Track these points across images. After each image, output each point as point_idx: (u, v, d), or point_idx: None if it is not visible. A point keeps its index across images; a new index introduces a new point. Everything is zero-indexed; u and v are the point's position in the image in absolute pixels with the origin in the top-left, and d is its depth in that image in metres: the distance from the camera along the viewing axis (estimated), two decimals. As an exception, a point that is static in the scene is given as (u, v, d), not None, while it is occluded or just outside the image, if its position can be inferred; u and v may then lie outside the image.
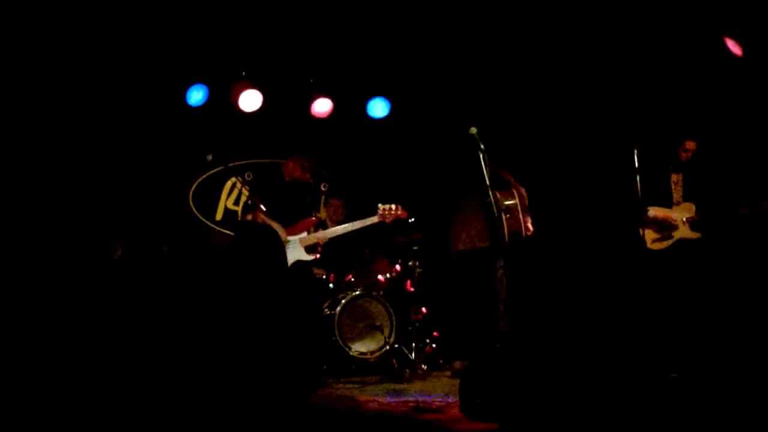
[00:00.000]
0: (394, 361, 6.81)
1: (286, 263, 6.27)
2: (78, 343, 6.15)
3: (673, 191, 6.73)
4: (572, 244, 7.45)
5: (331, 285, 7.29)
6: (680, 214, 6.62)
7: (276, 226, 6.30)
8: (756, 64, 6.68)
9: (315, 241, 6.52)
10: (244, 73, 7.66)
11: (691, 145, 6.61)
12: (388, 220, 6.74)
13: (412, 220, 7.11)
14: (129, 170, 7.62)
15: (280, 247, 6.27)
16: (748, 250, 6.81)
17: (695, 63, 7.04)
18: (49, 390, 5.31)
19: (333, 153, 8.35)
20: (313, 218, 6.75)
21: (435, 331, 7.40)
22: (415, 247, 7.38)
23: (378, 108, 8.20)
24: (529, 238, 6.62)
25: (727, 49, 6.71)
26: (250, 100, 7.66)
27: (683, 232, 6.59)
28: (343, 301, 6.94)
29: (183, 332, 6.35)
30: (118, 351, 6.10)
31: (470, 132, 5.58)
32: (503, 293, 6.57)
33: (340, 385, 6.34)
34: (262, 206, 6.29)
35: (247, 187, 7.01)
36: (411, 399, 5.61)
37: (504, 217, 6.33)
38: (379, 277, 7.33)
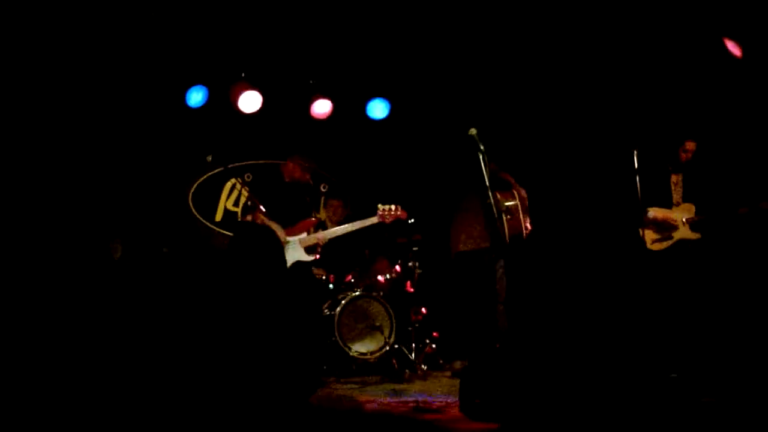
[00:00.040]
0: (394, 361, 6.81)
1: (285, 264, 6.27)
2: (78, 343, 6.15)
3: (673, 192, 6.73)
4: (572, 245, 7.44)
5: (331, 285, 7.29)
6: (680, 214, 6.63)
7: (276, 226, 6.30)
8: (755, 64, 6.69)
9: (315, 241, 6.52)
10: (243, 75, 7.67)
11: (690, 145, 6.61)
12: (387, 221, 6.74)
13: (412, 220, 7.12)
14: (129, 171, 7.62)
15: (279, 248, 6.26)
16: (748, 250, 6.80)
17: (695, 64, 7.04)
18: (48, 389, 5.31)
19: (333, 154, 8.36)
20: (313, 219, 6.75)
21: (435, 331, 7.40)
22: (414, 248, 7.38)
23: (377, 109, 8.21)
24: (528, 239, 6.62)
25: (727, 50, 6.71)
26: (250, 101, 7.67)
27: (683, 232, 6.59)
28: (343, 301, 6.94)
29: (183, 333, 6.35)
30: (118, 351, 6.10)
31: (470, 133, 5.57)
32: (503, 294, 6.57)
33: (340, 386, 6.35)
34: (261, 207, 6.29)
35: (247, 188, 7.01)
36: (411, 399, 5.61)
37: (504, 218, 6.34)
38: (379, 277, 7.34)
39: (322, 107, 7.97)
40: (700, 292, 6.44)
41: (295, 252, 6.46)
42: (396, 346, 6.95)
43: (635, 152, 6.17)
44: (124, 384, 5.45)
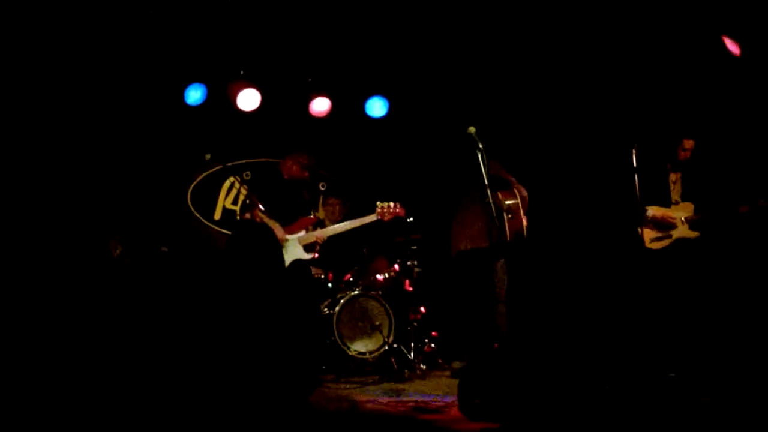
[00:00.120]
0: (393, 360, 6.81)
1: (283, 262, 6.26)
2: (76, 341, 6.15)
3: (672, 190, 6.72)
4: (571, 244, 7.44)
5: (329, 284, 7.29)
6: (679, 213, 6.62)
7: (274, 224, 6.29)
8: (754, 62, 6.68)
9: (314, 239, 6.51)
10: (242, 72, 7.66)
11: (689, 144, 6.60)
12: (386, 218, 6.73)
13: (411, 219, 7.11)
14: (128, 169, 7.61)
15: (277, 246, 6.26)
16: (747, 249, 6.80)
17: (693, 62, 7.03)
18: (47, 388, 5.30)
19: (331, 152, 8.35)
20: (312, 217, 6.75)
21: (434, 330, 7.40)
22: (413, 247, 7.38)
23: (376, 107, 8.20)
24: (527, 238, 6.62)
25: (726, 48, 6.70)
26: (249, 100, 7.66)
27: (682, 231, 6.59)
28: (341, 300, 6.94)
29: (181, 331, 6.34)
30: (116, 349, 6.10)
31: (468, 131, 5.57)
32: (503, 294, 6.56)
33: (339, 385, 6.35)
34: (260, 205, 6.28)
35: (246, 186, 7.00)
36: (410, 399, 5.62)
37: (506, 217, 6.32)
38: (378, 276, 7.33)
39: (320, 105, 7.97)
40: (699, 292, 6.43)
41: (293, 250, 6.45)
42: (395, 345, 6.95)
43: (634, 150, 6.16)
44: (123, 382, 5.44)
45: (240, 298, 6.02)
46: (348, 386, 6.30)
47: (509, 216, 6.39)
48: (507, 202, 6.44)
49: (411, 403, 5.43)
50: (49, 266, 6.83)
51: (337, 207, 7.60)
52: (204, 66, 7.57)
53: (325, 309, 7.05)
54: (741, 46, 6.67)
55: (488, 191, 5.52)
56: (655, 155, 6.64)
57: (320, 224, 7.01)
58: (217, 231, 8.14)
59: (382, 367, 6.82)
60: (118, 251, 7.16)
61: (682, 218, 6.60)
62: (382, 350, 6.88)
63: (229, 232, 7.88)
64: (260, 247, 6.16)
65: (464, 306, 6.76)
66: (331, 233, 6.67)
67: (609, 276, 6.96)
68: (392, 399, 5.66)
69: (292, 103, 8.07)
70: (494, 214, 5.61)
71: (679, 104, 7.15)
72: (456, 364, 6.77)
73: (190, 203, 8.08)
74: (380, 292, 7.14)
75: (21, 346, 5.95)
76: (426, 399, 5.58)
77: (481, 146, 5.54)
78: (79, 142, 7.38)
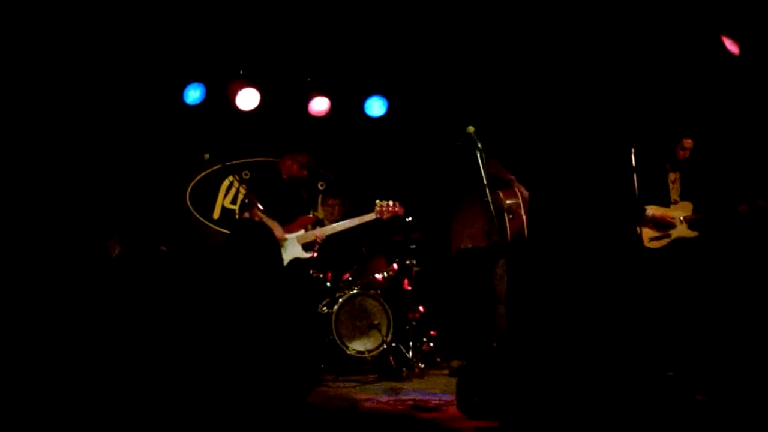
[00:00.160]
0: (392, 359, 6.81)
1: (282, 261, 6.26)
2: (75, 340, 6.14)
3: (671, 190, 6.72)
4: (569, 243, 7.44)
5: (328, 284, 7.28)
6: (678, 212, 6.62)
7: (273, 224, 6.29)
8: (753, 62, 6.68)
9: (312, 238, 6.51)
10: (241, 72, 7.66)
11: (688, 143, 6.60)
12: (385, 217, 6.73)
13: (410, 219, 7.11)
14: (126, 169, 7.61)
15: (276, 246, 6.26)
16: (746, 248, 6.81)
17: (693, 61, 7.04)
18: (45, 386, 5.30)
19: (330, 151, 8.35)
20: (311, 216, 6.75)
21: (432, 329, 7.40)
22: (412, 246, 7.38)
23: (375, 106, 8.20)
24: (527, 238, 6.62)
25: (725, 48, 6.70)
26: (248, 99, 7.66)
27: (681, 230, 6.59)
28: (340, 299, 6.94)
29: (179, 331, 6.34)
30: (114, 348, 6.10)
31: (467, 131, 5.57)
32: (503, 293, 6.56)
33: (338, 384, 6.34)
34: (259, 204, 6.28)
35: (245, 186, 7.00)
36: (409, 398, 5.62)
37: (507, 217, 6.31)
38: (377, 275, 7.33)
39: (319, 105, 7.96)
40: (698, 291, 6.44)
41: (292, 249, 6.45)
42: (393, 344, 6.95)
43: (633, 150, 6.16)
44: (120, 381, 5.44)
45: (239, 297, 6.02)
46: (347, 385, 6.29)
47: (510, 216, 6.38)
48: (508, 202, 6.43)
49: (409, 402, 5.44)
50: (49, 266, 6.83)
51: (336, 206, 7.59)
52: (203, 65, 7.56)
53: (324, 308, 7.05)
54: (740, 45, 6.67)
55: (487, 191, 5.52)
56: (654, 155, 6.64)
57: (319, 223, 7.01)
58: (216, 230, 8.13)
59: (380, 366, 6.82)
60: (117, 251, 7.16)
61: (681, 218, 6.60)
62: (380, 349, 6.88)
63: (228, 232, 7.88)
64: (259, 247, 6.16)
65: (463, 305, 6.77)
66: (330, 232, 6.67)
67: (608, 275, 6.97)
68: (391, 398, 5.66)
69: (292, 102, 8.06)
70: (493, 214, 5.62)
71: (678, 104, 7.16)
72: (454, 363, 6.78)
73: (189, 202, 8.07)
74: (379, 291, 7.14)
75: (20, 345, 5.95)
76: (424, 398, 5.58)
77: (480, 146, 5.55)
78: (79, 142, 7.38)
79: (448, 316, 7.29)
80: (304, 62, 7.86)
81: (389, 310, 6.99)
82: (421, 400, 5.47)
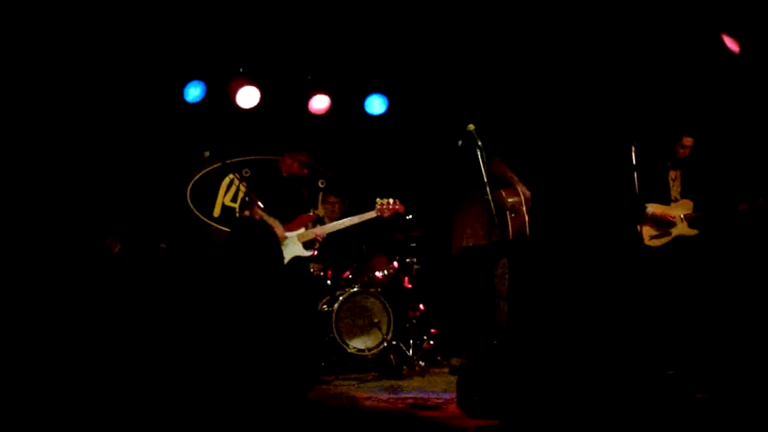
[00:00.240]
0: (392, 357, 6.82)
1: (282, 259, 6.27)
2: (75, 338, 6.15)
3: (671, 188, 6.72)
4: (569, 241, 7.44)
5: (328, 282, 7.29)
6: (678, 211, 6.62)
7: (274, 222, 6.29)
8: (754, 60, 6.68)
9: (313, 236, 6.51)
10: (241, 70, 7.66)
11: (688, 141, 6.60)
12: (385, 215, 6.73)
13: (410, 216, 7.11)
14: (127, 167, 7.61)
15: (276, 244, 6.26)
16: (746, 247, 6.81)
17: (693, 59, 7.03)
18: (44, 384, 5.30)
19: (331, 149, 8.35)
20: (311, 214, 6.75)
21: (432, 328, 7.40)
22: (412, 244, 7.38)
23: (376, 104, 8.20)
24: (529, 236, 6.61)
25: (725, 46, 6.70)
26: (248, 97, 7.66)
27: (681, 229, 6.59)
28: (340, 297, 6.94)
29: (180, 328, 6.35)
30: (115, 346, 6.10)
31: (468, 129, 5.57)
32: (505, 291, 6.55)
33: (338, 382, 6.35)
34: (259, 202, 6.28)
35: (245, 184, 6.99)
36: (409, 396, 5.62)
37: (509, 216, 6.30)
38: (377, 273, 7.33)
39: (320, 103, 7.96)
40: (698, 289, 6.44)
41: (293, 247, 6.45)
42: (394, 342, 6.95)
43: (633, 148, 6.16)
44: (121, 378, 5.45)
45: (239, 295, 6.03)
46: (347, 383, 6.30)
47: (512, 215, 6.36)
48: (510, 200, 6.42)
49: (410, 400, 5.43)
50: (49, 264, 6.83)
51: (337, 204, 7.59)
52: (203, 63, 7.56)
53: (324, 306, 7.06)
54: (740, 43, 6.66)
55: (487, 189, 5.52)
56: (655, 153, 6.64)
57: (319, 221, 7.01)
58: (217, 228, 8.14)
59: (380, 364, 6.82)
60: (117, 249, 7.16)
61: (682, 216, 6.60)
62: (380, 347, 6.88)
63: (229, 230, 7.88)
64: (259, 245, 6.17)
65: (464, 303, 6.77)
66: (330, 230, 6.67)
67: (608, 273, 6.97)
68: (391, 396, 5.66)
69: (292, 100, 8.07)
70: (494, 212, 5.61)
71: (679, 102, 7.15)
72: (455, 361, 6.77)
73: (189, 200, 8.07)
74: (379, 290, 7.15)
75: (20, 344, 5.95)
76: (424, 396, 5.58)
77: (480, 144, 5.54)
78: (79, 140, 7.38)
79: (448, 314, 7.29)
80: (305, 60, 7.86)
81: (389, 308, 7.00)
82: (421, 399, 5.47)
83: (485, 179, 5.50)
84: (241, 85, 7.60)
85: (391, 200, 6.73)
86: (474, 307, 6.62)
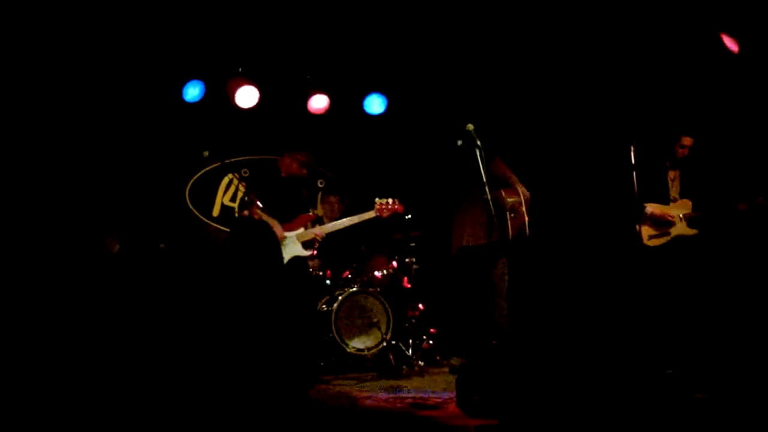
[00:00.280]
0: (391, 357, 6.82)
1: (281, 259, 6.27)
2: (75, 337, 6.15)
3: (670, 188, 6.72)
4: (569, 241, 7.44)
5: (328, 282, 7.29)
6: (677, 210, 6.62)
7: (273, 222, 6.29)
8: (753, 60, 6.68)
9: (312, 236, 6.51)
10: (240, 69, 7.65)
11: (687, 141, 6.61)
12: (385, 215, 6.73)
13: (409, 216, 7.11)
14: (126, 166, 7.61)
15: (275, 243, 6.26)
16: (745, 246, 6.81)
17: (692, 59, 7.03)
18: (43, 384, 5.30)
19: (330, 149, 8.35)
20: (311, 214, 6.75)
21: (432, 327, 7.40)
22: (412, 244, 7.38)
23: (375, 104, 8.20)
24: (530, 236, 6.62)
25: (724, 46, 6.70)
26: (247, 97, 7.66)
27: (680, 228, 6.59)
28: (340, 297, 6.94)
29: (179, 328, 6.35)
30: (115, 346, 6.10)
31: (467, 128, 5.57)
32: (504, 291, 6.56)
33: (338, 382, 6.35)
34: (258, 202, 6.28)
35: (244, 184, 6.99)
36: (408, 395, 5.62)
37: (508, 215, 6.30)
38: (376, 273, 7.33)
39: (319, 102, 7.96)
40: (697, 289, 6.44)
41: (292, 247, 6.45)
42: (393, 342, 6.96)
43: (632, 148, 6.16)
44: (121, 379, 5.45)
45: (238, 295, 6.03)
46: (346, 383, 6.30)
47: (512, 214, 6.36)
48: (510, 200, 6.42)
49: (409, 400, 5.43)
50: (48, 263, 6.83)
51: (336, 204, 7.59)
52: (202, 63, 7.56)
53: (324, 306, 7.06)
54: (739, 43, 6.67)
55: (486, 188, 5.52)
56: (654, 153, 6.64)
57: (319, 221, 7.01)
58: (216, 228, 8.13)
59: (380, 364, 6.83)
60: (116, 248, 7.16)
61: (681, 215, 6.60)
62: (380, 347, 6.89)
63: (228, 229, 7.88)
64: (259, 245, 6.17)
65: (463, 303, 6.77)
66: (329, 230, 6.66)
67: (607, 273, 6.97)
68: (390, 395, 5.66)
69: (291, 100, 8.06)
70: (493, 212, 5.61)
71: (678, 101, 7.15)
72: (454, 361, 6.77)
73: (188, 200, 8.07)
74: (378, 289, 7.15)
75: (19, 343, 5.95)
76: (424, 395, 5.58)
77: (479, 143, 5.54)
78: (78, 140, 7.38)
79: (447, 314, 7.29)
80: (304, 60, 7.86)
81: (389, 308, 7.00)
82: (420, 398, 5.47)
83: (485, 179, 5.50)
84: (240, 85, 7.60)
85: (390, 200, 6.73)
86: (473, 307, 6.62)
